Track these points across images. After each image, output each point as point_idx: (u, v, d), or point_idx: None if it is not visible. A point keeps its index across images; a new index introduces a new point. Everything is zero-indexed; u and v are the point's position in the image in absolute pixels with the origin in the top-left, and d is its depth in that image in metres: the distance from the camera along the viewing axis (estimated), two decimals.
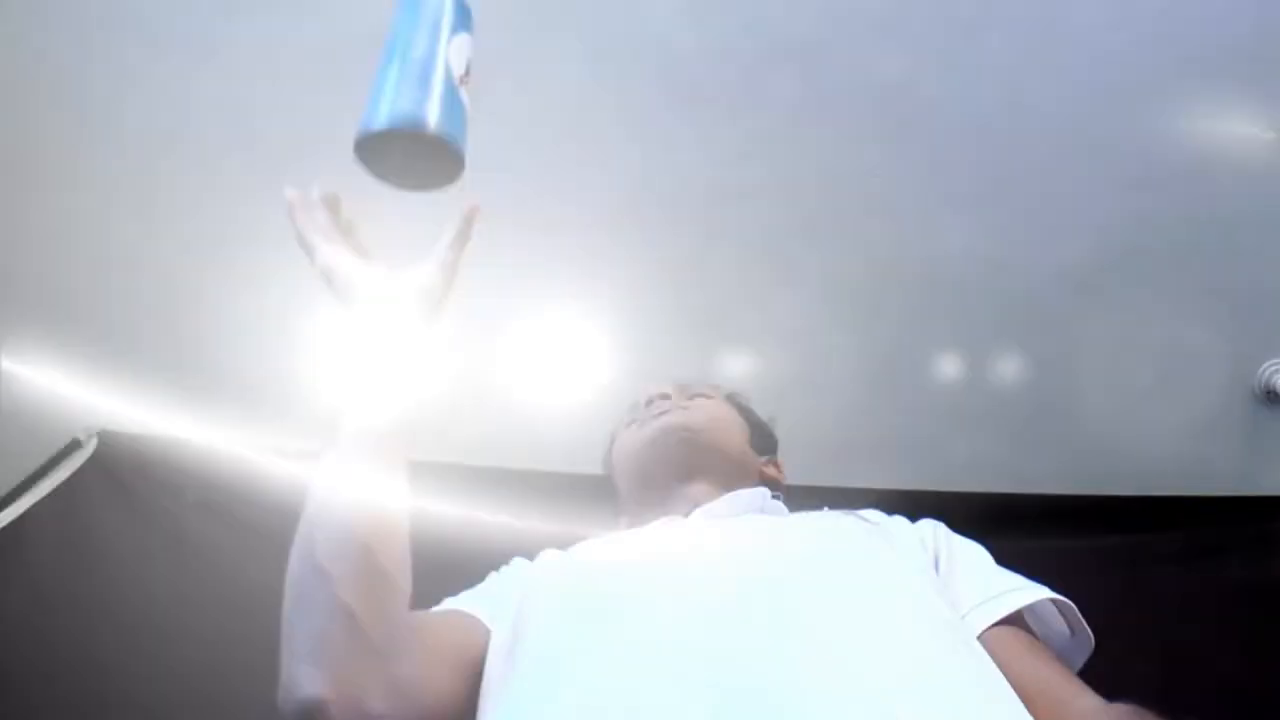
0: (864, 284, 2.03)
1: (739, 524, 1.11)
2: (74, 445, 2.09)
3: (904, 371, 2.08)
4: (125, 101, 1.97)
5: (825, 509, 1.18)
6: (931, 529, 1.13)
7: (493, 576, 1.13)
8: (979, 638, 0.94)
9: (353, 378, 0.91)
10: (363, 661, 0.79)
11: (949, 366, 2.05)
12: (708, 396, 1.39)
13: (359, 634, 0.79)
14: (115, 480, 2.10)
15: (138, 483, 2.12)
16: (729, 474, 1.27)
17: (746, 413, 1.44)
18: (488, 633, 0.97)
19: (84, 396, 2.15)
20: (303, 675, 0.78)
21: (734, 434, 1.35)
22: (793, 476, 1.48)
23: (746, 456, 1.34)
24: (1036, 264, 1.96)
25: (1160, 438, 2.09)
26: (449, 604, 1.02)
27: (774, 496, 1.24)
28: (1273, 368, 2.05)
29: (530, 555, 1.16)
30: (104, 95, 1.96)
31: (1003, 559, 1.12)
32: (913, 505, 1.97)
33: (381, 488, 0.86)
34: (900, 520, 1.16)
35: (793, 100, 1.93)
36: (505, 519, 2.05)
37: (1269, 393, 2.05)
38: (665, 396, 1.34)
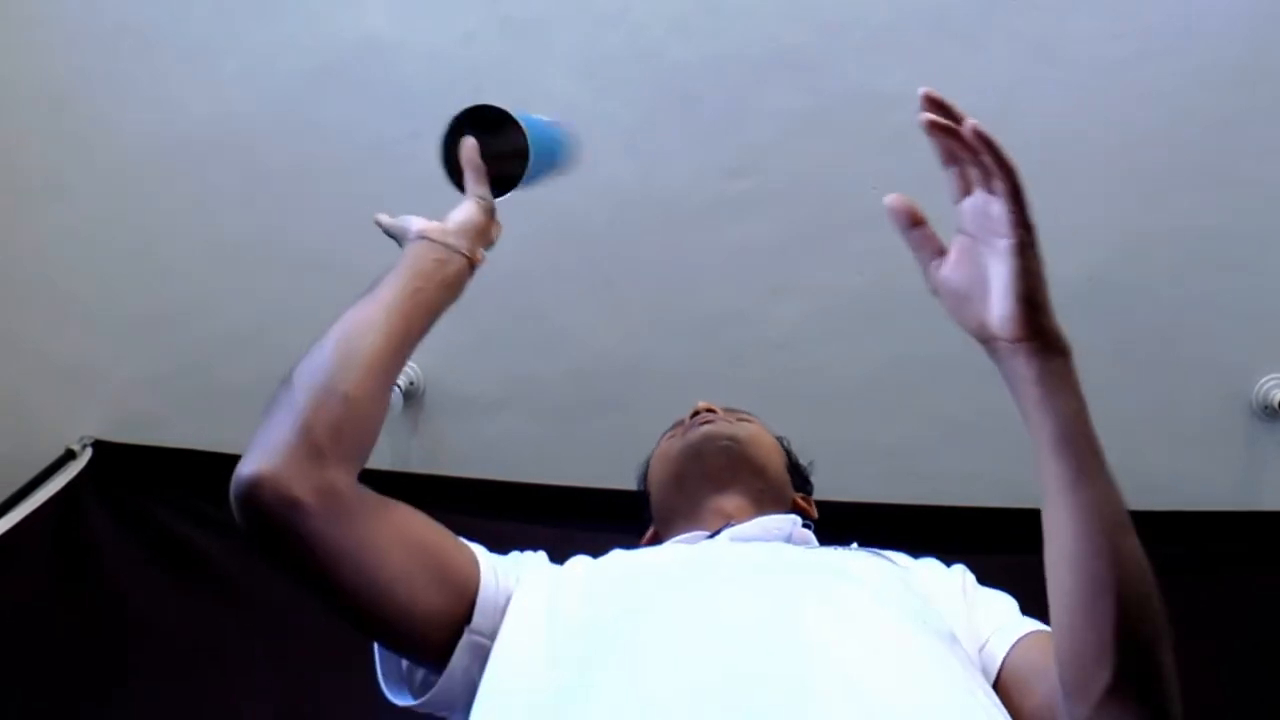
0: (861, 295, 2.03)
1: (767, 549, 1.10)
2: (68, 455, 2.09)
3: (900, 384, 2.08)
4: (120, 109, 1.97)
5: (854, 545, 1.17)
6: (961, 573, 1.12)
7: (514, 554, 1.12)
8: (1004, 661, 0.94)
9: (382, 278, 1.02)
10: (299, 454, 0.88)
11: (946, 379, 2.05)
12: (750, 421, 1.39)
13: (301, 432, 0.89)
14: (110, 490, 2.10)
15: (132, 493, 2.11)
16: (764, 493, 1.25)
17: (785, 445, 1.44)
18: (476, 564, 0.98)
19: (78, 406, 2.14)
20: (246, 460, 0.89)
21: (774, 455, 1.34)
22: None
23: (784, 479, 1.33)
24: None
25: (1157, 452, 2.08)
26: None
27: (804, 525, 1.23)
28: (1270, 382, 2.04)
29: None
30: (99, 102, 1.97)
31: (1001, 573, 1.11)
32: (910, 520, 1.99)
33: (370, 334, 0.96)
34: (931, 562, 1.15)
35: (790, 111, 1.94)
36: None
37: (1266, 407, 2.04)
38: (711, 410, 1.34)
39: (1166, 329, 2.03)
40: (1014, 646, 0.94)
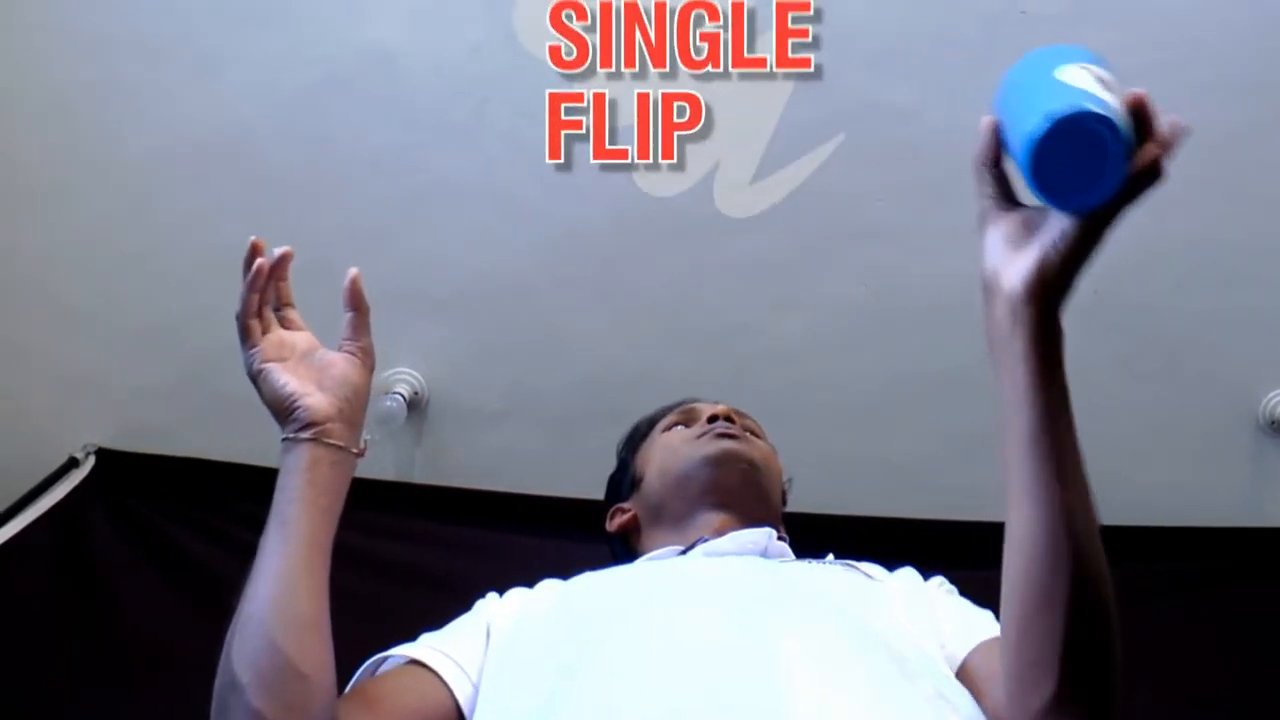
0: (867, 308, 2.03)
1: (741, 565, 1.09)
2: (71, 463, 2.09)
3: (903, 397, 2.07)
4: (125, 118, 1.97)
5: (830, 556, 1.16)
6: (938, 583, 1.11)
7: (468, 618, 1.10)
8: (963, 664, 0.93)
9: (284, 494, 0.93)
10: None
11: (952, 393, 2.04)
12: (759, 436, 1.37)
13: None
14: (113, 498, 2.10)
15: (135, 501, 2.11)
16: (757, 520, 1.22)
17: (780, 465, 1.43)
18: (444, 686, 0.96)
19: (82, 414, 2.14)
20: None
21: (778, 483, 1.33)
22: (788, 504, 1.46)
23: (779, 508, 1.32)
24: None
25: (1162, 468, 2.07)
26: (423, 645, 1.01)
27: (779, 538, 1.22)
28: (1277, 397, 2.04)
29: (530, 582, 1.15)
30: (104, 111, 1.97)
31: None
32: (911, 534, 1.98)
33: (300, 588, 0.89)
34: (907, 574, 1.13)
35: (796, 124, 1.93)
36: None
37: (1273, 422, 2.03)
38: (729, 419, 1.31)
39: (1173, 344, 2.03)
40: (974, 650, 0.94)
